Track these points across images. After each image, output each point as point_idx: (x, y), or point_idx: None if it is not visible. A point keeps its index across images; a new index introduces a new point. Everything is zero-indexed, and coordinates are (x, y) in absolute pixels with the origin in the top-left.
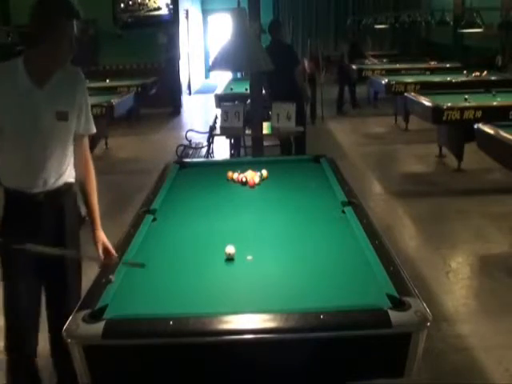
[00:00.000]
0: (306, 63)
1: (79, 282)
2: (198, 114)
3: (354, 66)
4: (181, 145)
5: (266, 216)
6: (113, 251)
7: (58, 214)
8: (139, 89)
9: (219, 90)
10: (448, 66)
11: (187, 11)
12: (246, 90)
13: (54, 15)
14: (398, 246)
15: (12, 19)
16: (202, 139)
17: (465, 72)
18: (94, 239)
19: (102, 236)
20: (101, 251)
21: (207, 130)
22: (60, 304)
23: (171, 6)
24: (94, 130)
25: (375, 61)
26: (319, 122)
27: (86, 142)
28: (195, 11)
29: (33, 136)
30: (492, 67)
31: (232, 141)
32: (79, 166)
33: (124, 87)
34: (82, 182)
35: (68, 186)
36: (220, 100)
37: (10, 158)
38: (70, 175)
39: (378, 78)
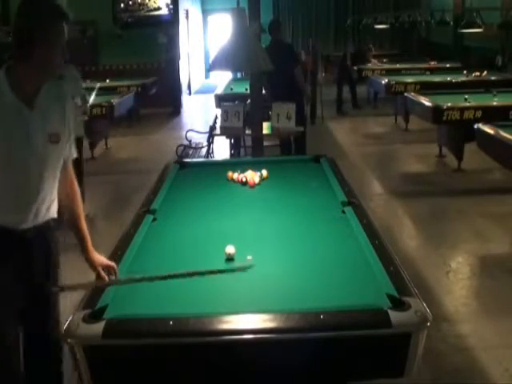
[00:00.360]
0: (303, 55)
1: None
2: (198, 114)
3: (354, 67)
4: (181, 145)
5: (266, 216)
6: (111, 263)
7: (46, 250)
8: (139, 89)
9: (219, 90)
10: (448, 65)
11: (187, 11)
12: (246, 89)
13: (47, 16)
14: (397, 245)
15: (12, 19)
16: (202, 139)
17: (465, 72)
18: (93, 263)
19: (97, 257)
20: (102, 272)
21: (207, 129)
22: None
23: (171, 6)
24: (76, 154)
25: (379, 64)
26: (319, 122)
27: (71, 164)
28: (195, 11)
29: (25, 164)
30: (492, 67)
31: (232, 141)
32: (67, 191)
33: (124, 87)
34: (70, 206)
35: (53, 219)
36: (220, 100)
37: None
38: (55, 208)
39: (378, 78)
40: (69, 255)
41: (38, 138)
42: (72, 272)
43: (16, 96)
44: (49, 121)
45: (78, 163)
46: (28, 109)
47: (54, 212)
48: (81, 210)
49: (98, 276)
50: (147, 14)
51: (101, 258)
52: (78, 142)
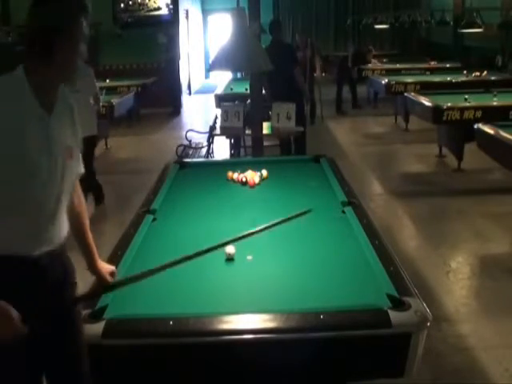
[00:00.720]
0: (298, 38)
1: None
2: (198, 114)
3: (354, 67)
4: (181, 145)
5: (266, 216)
6: (112, 267)
7: (63, 275)
8: (139, 89)
9: (219, 90)
10: (448, 65)
11: (187, 11)
12: (246, 89)
13: (72, 12)
14: (397, 245)
15: (12, 19)
16: (202, 139)
17: (465, 72)
18: (101, 275)
19: (104, 266)
20: (109, 278)
21: (207, 130)
22: None
23: (171, 6)
24: (83, 170)
25: (379, 64)
26: (319, 122)
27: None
28: (195, 11)
29: (47, 182)
30: (492, 67)
31: (232, 141)
32: (74, 205)
33: (124, 87)
34: (78, 221)
35: (65, 240)
36: (220, 100)
37: (8, 214)
38: (67, 228)
39: (378, 78)
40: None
41: (58, 152)
42: None
43: (39, 101)
44: (64, 131)
45: (89, 162)
46: (48, 115)
47: (66, 232)
48: (87, 225)
49: (104, 282)
50: (147, 13)
51: (105, 266)
52: (92, 140)
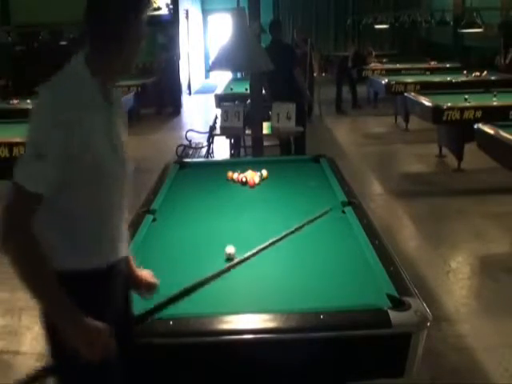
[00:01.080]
0: (296, 35)
1: None
2: (198, 114)
3: (354, 68)
4: (181, 145)
5: (266, 216)
6: (155, 280)
7: (127, 285)
8: (139, 89)
9: (219, 90)
10: (448, 65)
11: (187, 11)
12: (246, 89)
13: (144, 1)
14: (397, 245)
15: (12, 19)
16: (202, 139)
17: (465, 72)
18: (139, 282)
19: (143, 273)
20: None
21: (207, 130)
22: None
23: (171, 6)
24: None
25: (379, 64)
26: (318, 120)
27: None
28: (195, 11)
29: (123, 183)
30: (492, 67)
31: (232, 141)
32: None
33: (124, 87)
34: None
35: None
36: (220, 100)
37: (97, 222)
38: None
39: (378, 78)
40: None
41: (122, 151)
42: None
43: (104, 98)
44: (120, 126)
45: None
46: (110, 110)
47: None
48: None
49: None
50: (147, 13)
51: (144, 273)
52: None
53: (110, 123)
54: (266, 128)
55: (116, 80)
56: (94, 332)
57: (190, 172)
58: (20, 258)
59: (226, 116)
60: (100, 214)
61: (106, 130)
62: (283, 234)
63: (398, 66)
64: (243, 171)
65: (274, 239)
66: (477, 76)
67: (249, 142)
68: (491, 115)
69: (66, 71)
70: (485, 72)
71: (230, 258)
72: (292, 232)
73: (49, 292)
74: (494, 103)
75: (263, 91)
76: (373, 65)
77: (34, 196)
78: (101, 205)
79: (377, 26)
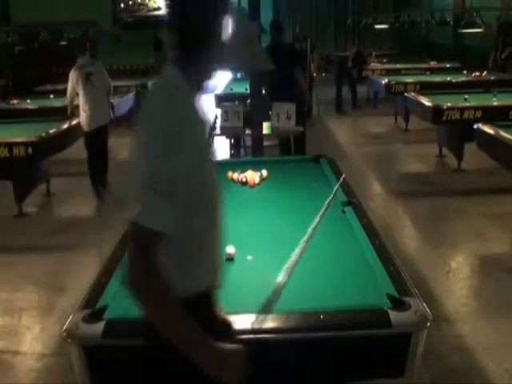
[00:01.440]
0: (298, 30)
1: None
2: None
3: (354, 69)
4: None
5: (266, 216)
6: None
7: None
8: (139, 89)
9: (219, 90)
10: (448, 65)
11: None
12: (246, 89)
13: (226, 4)
14: (397, 245)
15: (12, 19)
16: None
17: (465, 72)
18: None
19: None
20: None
21: None
22: None
23: None
24: None
25: (379, 64)
26: (317, 120)
27: None
28: None
29: (219, 200)
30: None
31: (232, 141)
32: None
33: (124, 87)
34: None
35: None
36: (220, 100)
37: (202, 241)
38: None
39: (378, 78)
40: (69, 255)
41: (215, 169)
42: (72, 272)
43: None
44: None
45: (104, 151)
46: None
47: None
48: None
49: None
50: (147, 14)
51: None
52: (107, 127)
53: (208, 142)
54: (265, 128)
55: (200, 90)
56: (231, 355)
57: None
58: (155, 305)
59: (225, 116)
60: (206, 237)
61: (205, 147)
62: (309, 232)
63: (397, 66)
64: (243, 171)
65: (305, 238)
66: (477, 76)
67: (249, 142)
68: (491, 115)
69: (165, 86)
70: (485, 72)
71: (230, 258)
72: (315, 227)
73: (188, 334)
74: (494, 103)
75: (263, 91)
76: (373, 65)
77: (162, 236)
78: (207, 228)
79: (377, 26)
